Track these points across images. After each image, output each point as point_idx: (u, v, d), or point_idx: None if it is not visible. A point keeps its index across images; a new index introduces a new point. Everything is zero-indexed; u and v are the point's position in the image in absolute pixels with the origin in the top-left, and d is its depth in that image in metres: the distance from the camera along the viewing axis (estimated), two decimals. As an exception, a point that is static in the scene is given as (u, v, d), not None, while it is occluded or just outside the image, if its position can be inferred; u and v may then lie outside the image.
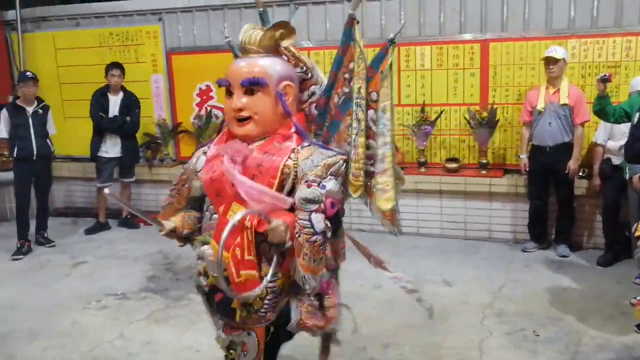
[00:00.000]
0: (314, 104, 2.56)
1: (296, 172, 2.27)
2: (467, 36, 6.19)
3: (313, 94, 2.57)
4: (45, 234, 6.55)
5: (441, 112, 6.26)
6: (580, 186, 5.70)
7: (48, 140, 6.33)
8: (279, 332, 2.46)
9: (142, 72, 7.44)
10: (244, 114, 2.32)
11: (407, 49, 6.37)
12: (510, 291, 4.83)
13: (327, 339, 2.66)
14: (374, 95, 2.45)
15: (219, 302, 2.38)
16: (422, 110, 6.24)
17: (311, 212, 2.16)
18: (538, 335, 4.03)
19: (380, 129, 2.41)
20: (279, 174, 2.26)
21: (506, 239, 6.13)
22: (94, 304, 4.84)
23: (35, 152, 6.15)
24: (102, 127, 6.83)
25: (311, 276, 2.21)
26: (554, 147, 5.48)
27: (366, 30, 6.46)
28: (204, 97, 7.27)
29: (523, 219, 5.94)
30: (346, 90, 2.46)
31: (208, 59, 6.87)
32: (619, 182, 5.15)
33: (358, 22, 2.47)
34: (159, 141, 7.39)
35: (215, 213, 2.38)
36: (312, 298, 2.38)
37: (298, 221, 2.17)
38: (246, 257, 2.25)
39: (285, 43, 2.44)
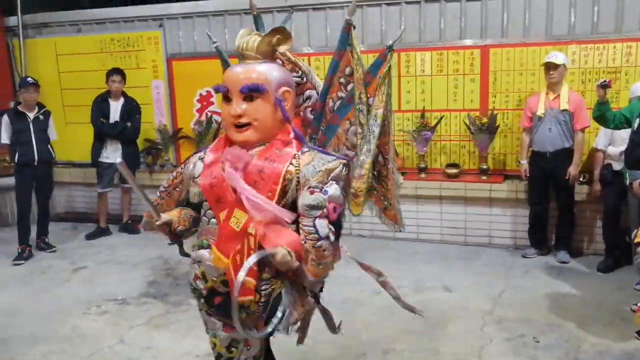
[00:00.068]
0: (310, 108, 2.59)
1: (298, 177, 2.27)
2: (468, 42, 6.20)
3: (309, 98, 2.59)
4: (46, 239, 6.56)
5: (441, 118, 6.27)
6: (581, 192, 5.70)
7: (49, 146, 6.34)
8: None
9: (143, 78, 7.46)
10: (244, 120, 2.32)
11: (407, 55, 6.38)
12: (511, 297, 4.83)
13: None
14: (372, 101, 2.50)
15: (219, 305, 2.38)
16: (422, 116, 6.24)
17: (315, 217, 2.17)
18: (538, 342, 4.03)
19: (367, 136, 2.47)
20: (281, 180, 2.26)
21: (506, 244, 6.13)
22: (94, 309, 4.85)
23: (36, 158, 6.17)
24: (103, 133, 6.85)
25: (317, 280, 2.25)
26: (554, 152, 5.48)
27: (366, 36, 6.49)
28: (205, 103, 7.28)
29: (523, 224, 5.94)
30: (341, 94, 2.49)
31: (208, 64, 6.85)
32: (619, 188, 5.15)
33: (355, 28, 2.49)
34: (160, 147, 7.40)
35: (213, 218, 2.38)
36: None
37: (303, 228, 2.19)
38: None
39: (282, 48, 2.45)
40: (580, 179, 5.66)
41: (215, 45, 2.83)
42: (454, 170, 6.23)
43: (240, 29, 2.46)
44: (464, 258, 5.86)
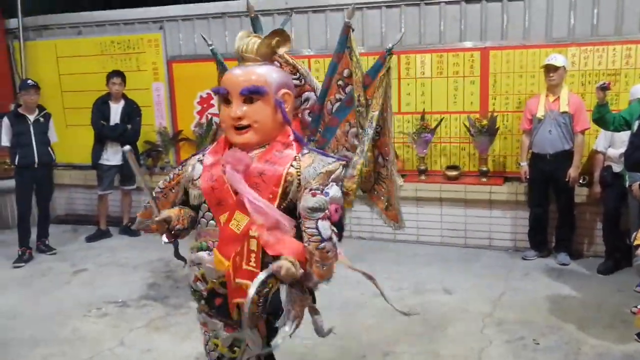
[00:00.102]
0: (308, 110, 2.60)
1: (299, 179, 2.28)
2: (467, 44, 6.21)
3: (307, 100, 2.61)
4: (47, 242, 6.55)
5: (441, 120, 6.27)
6: (581, 194, 5.71)
7: (49, 148, 6.34)
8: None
9: (143, 80, 7.46)
10: (244, 122, 2.33)
11: (407, 57, 6.38)
12: (510, 299, 4.83)
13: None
14: (370, 103, 2.53)
15: (219, 306, 2.39)
16: (422, 118, 6.25)
17: (317, 219, 2.18)
18: (538, 344, 4.03)
19: (361, 137, 2.50)
20: (282, 182, 2.27)
21: (506, 246, 6.13)
22: (95, 312, 4.85)
23: (36, 160, 6.17)
24: (103, 135, 6.85)
25: (322, 281, 2.26)
26: (554, 154, 5.48)
27: (366, 38, 6.49)
28: (205, 105, 7.29)
29: (523, 226, 5.94)
30: (339, 97, 2.51)
31: (209, 67, 6.72)
32: (619, 190, 5.15)
33: (353, 30, 2.50)
34: (160, 149, 7.40)
35: (211, 220, 2.38)
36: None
37: (306, 230, 2.20)
38: (244, 266, 2.26)
39: (281, 50, 2.47)
40: (580, 181, 5.66)
41: (210, 47, 2.84)
42: (454, 173, 6.23)
43: (240, 31, 2.47)
44: (464, 260, 5.86)
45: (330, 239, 2.19)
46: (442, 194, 6.22)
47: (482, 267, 5.66)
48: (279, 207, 2.27)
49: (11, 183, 6.55)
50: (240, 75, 2.36)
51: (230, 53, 2.59)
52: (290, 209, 2.31)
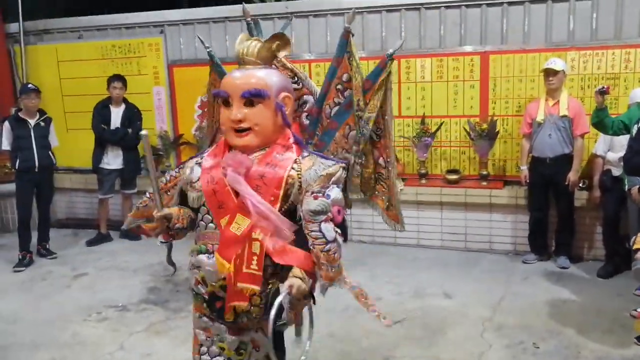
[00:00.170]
0: (306, 113, 2.62)
1: (300, 182, 2.29)
2: (467, 48, 6.21)
3: (305, 103, 2.63)
4: (47, 246, 6.55)
5: (441, 124, 6.28)
6: (581, 198, 5.71)
7: (50, 152, 6.35)
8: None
9: (144, 84, 7.48)
10: (244, 125, 2.33)
11: (407, 61, 6.40)
12: (510, 304, 4.83)
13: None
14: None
15: (220, 309, 2.39)
16: (423, 122, 6.26)
17: (320, 222, 2.20)
18: (538, 348, 4.03)
19: (358, 138, 2.57)
20: (283, 184, 2.28)
21: (506, 250, 6.13)
22: (95, 316, 4.85)
23: (37, 164, 6.18)
24: (104, 139, 6.86)
25: (331, 283, 2.25)
26: (553, 158, 5.49)
27: (367, 42, 6.51)
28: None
29: (523, 230, 5.94)
30: (338, 100, 2.54)
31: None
32: (619, 194, 5.15)
33: (353, 35, 2.51)
34: (161, 153, 7.40)
35: (210, 222, 2.38)
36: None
37: (309, 233, 2.21)
38: (244, 269, 2.26)
39: (281, 54, 2.48)
40: (580, 185, 5.67)
41: (208, 50, 2.85)
42: (454, 176, 6.24)
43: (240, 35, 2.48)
44: (464, 264, 5.86)
45: (334, 240, 2.21)
46: (443, 197, 6.22)
47: (482, 271, 5.67)
48: (280, 209, 2.28)
49: (11, 187, 6.55)
50: (240, 78, 2.36)
51: (231, 57, 2.61)
52: (290, 211, 2.32)
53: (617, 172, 5.20)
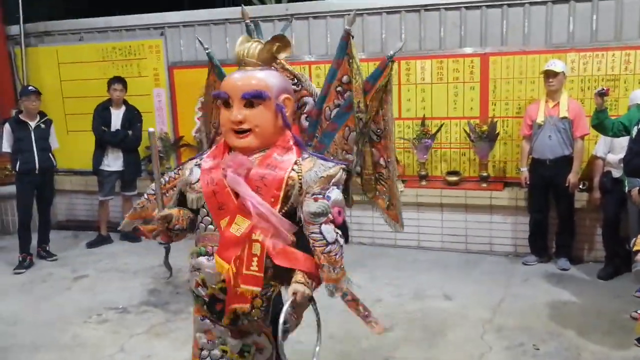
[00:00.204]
0: (305, 115, 2.62)
1: (301, 184, 2.29)
2: (467, 50, 6.22)
3: (304, 104, 2.63)
4: (47, 248, 6.56)
5: (441, 126, 6.28)
6: (581, 199, 5.71)
7: (50, 154, 6.36)
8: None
9: (144, 86, 7.48)
10: (245, 126, 2.33)
11: (407, 63, 6.40)
12: (510, 305, 4.82)
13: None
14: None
15: (220, 311, 2.39)
16: (423, 124, 6.26)
17: (321, 224, 2.20)
18: (538, 349, 4.03)
19: (357, 139, 2.58)
20: (284, 185, 2.28)
21: (507, 252, 6.12)
22: (95, 318, 4.85)
23: (37, 166, 6.18)
24: (104, 141, 6.87)
25: (335, 285, 2.25)
26: (554, 160, 5.49)
27: (367, 44, 6.51)
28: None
29: (523, 232, 5.94)
30: (338, 102, 2.54)
31: (210, 73, 6.89)
32: (619, 195, 5.15)
33: (353, 37, 2.52)
34: (161, 155, 7.39)
35: (210, 224, 2.38)
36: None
37: (310, 235, 2.22)
38: (244, 271, 2.25)
39: (281, 56, 2.48)
40: (580, 187, 5.66)
41: (207, 51, 2.85)
42: (454, 178, 6.24)
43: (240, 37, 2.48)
44: (465, 266, 5.86)
45: (335, 242, 2.21)
46: (443, 199, 6.22)
47: (483, 272, 5.66)
48: (280, 211, 2.28)
49: (12, 189, 6.56)
50: (241, 79, 2.36)
51: (231, 59, 2.60)
52: (291, 213, 2.32)
53: (617, 173, 5.20)
